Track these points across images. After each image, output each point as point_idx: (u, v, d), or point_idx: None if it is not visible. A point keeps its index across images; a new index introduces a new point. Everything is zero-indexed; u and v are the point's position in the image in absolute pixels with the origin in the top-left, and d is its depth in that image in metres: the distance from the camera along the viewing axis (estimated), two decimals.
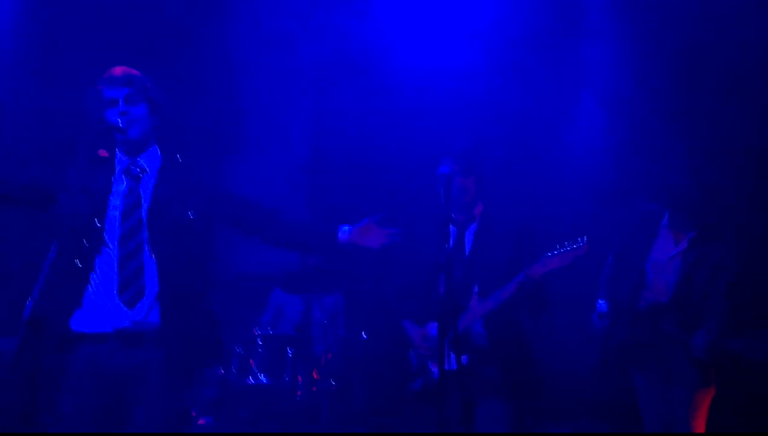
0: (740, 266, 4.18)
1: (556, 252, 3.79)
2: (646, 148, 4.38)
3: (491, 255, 3.93)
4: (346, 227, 3.39)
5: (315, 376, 5.46)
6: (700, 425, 4.16)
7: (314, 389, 5.42)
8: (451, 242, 3.99)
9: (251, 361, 5.42)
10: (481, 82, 5.84)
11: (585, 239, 3.78)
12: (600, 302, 4.46)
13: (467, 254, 3.99)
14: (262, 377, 5.36)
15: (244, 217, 3.34)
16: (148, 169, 3.26)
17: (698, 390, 4.16)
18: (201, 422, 5.27)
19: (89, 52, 5.76)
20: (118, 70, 3.22)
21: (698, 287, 4.18)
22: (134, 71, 3.25)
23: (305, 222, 3.44)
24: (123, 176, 3.22)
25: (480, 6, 5.97)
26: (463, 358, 3.74)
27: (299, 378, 5.33)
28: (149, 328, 3.09)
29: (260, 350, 5.39)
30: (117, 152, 3.27)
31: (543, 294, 3.90)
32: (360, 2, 6.14)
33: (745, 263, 4.19)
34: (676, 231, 4.30)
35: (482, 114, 5.76)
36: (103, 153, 3.20)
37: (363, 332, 5.86)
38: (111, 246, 3.12)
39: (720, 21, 5.34)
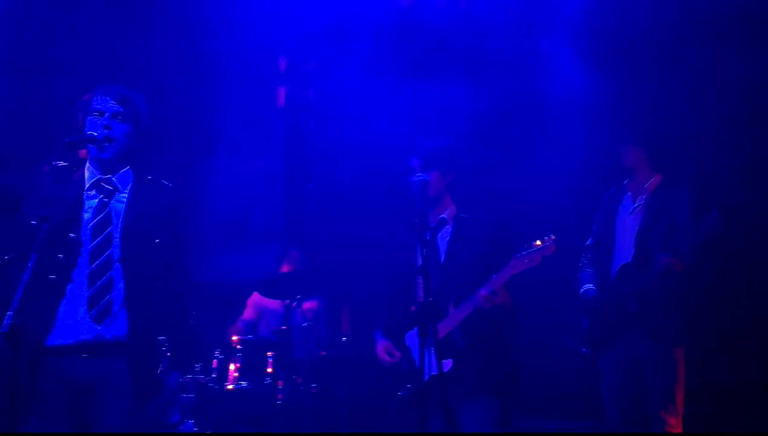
0: (698, 209, 4.23)
1: (524, 253, 3.75)
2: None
3: (467, 259, 3.90)
4: None
5: (297, 380, 5.43)
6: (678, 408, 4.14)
7: (296, 393, 5.40)
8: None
9: (232, 366, 5.38)
10: (453, 84, 5.82)
11: (551, 237, 3.76)
12: (586, 286, 4.44)
13: (442, 258, 3.96)
14: (242, 382, 5.33)
15: None
16: (120, 188, 3.25)
17: (669, 372, 4.14)
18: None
19: (60, 54, 5.70)
20: (115, 86, 3.22)
21: (659, 233, 4.22)
22: (132, 92, 3.24)
23: None
24: (94, 190, 3.21)
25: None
26: (446, 363, 3.75)
27: (280, 383, 5.31)
28: (118, 341, 3.10)
29: (240, 355, 5.36)
30: (88, 165, 3.24)
31: (508, 305, 3.83)
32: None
33: (702, 206, 4.23)
34: (636, 187, 4.41)
35: (455, 116, 5.74)
36: (82, 153, 3.19)
37: (343, 337, 5.86)
38: (84, 259, 3.13)
39: None
